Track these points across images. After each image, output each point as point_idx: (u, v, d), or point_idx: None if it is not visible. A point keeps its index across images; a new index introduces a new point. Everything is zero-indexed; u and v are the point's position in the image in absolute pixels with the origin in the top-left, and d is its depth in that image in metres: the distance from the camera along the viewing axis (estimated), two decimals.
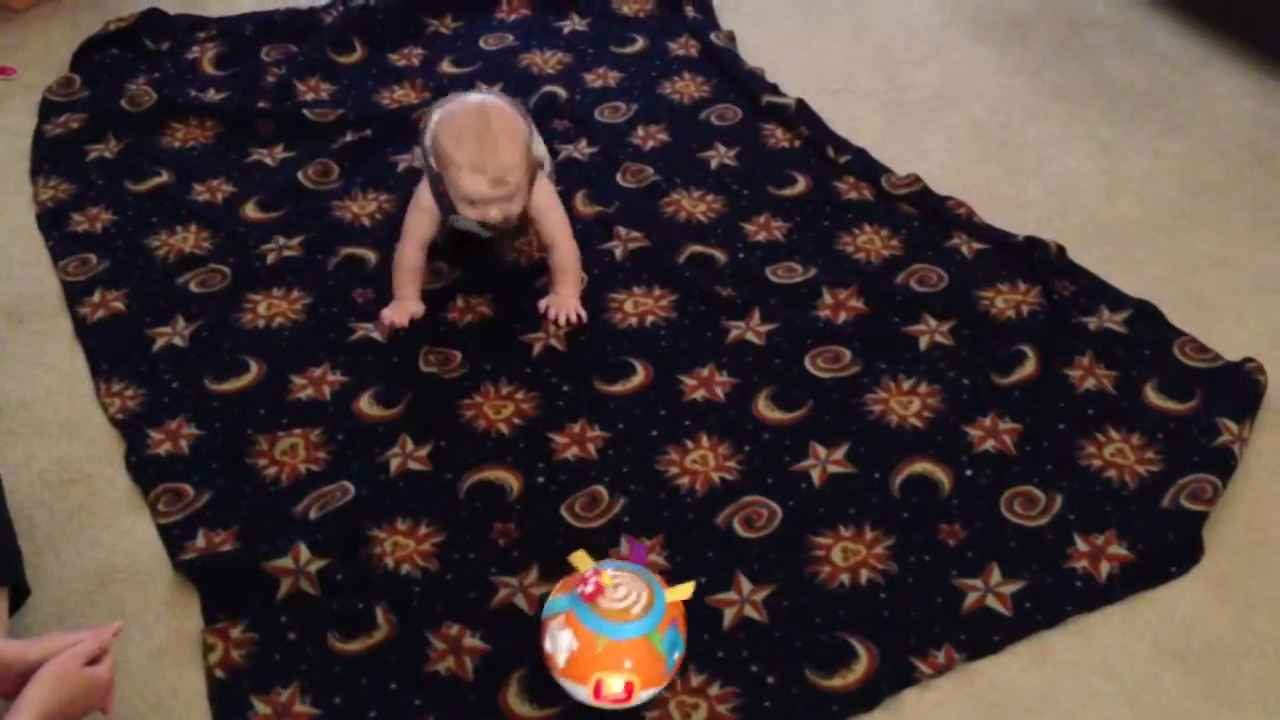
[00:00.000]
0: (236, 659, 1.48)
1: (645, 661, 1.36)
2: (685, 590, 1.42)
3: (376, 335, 1.89)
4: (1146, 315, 1.89)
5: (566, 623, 1.38)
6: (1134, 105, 2.37)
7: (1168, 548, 1.57)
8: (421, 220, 1.90)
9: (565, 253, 1.91)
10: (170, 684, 1.47)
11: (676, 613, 1.40)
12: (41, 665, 1.21)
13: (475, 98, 1.89)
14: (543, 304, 1.92)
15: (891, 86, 2.44)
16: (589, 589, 1.37)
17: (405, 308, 1.91)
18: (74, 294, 2.00)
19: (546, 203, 1.89)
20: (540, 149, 1.97)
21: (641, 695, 1.38)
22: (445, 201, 1.87)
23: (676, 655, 1.38)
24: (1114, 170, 2.21)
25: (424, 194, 1.89)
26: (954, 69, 2.48)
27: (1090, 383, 1.79)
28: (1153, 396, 1.77)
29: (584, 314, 1.90)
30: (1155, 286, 1.94)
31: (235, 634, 1.51)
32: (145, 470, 1.71)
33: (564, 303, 1.91)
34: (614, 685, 1.36)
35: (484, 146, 1.76)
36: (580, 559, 1.44)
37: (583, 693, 1.38)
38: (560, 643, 1.37)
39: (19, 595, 1.45)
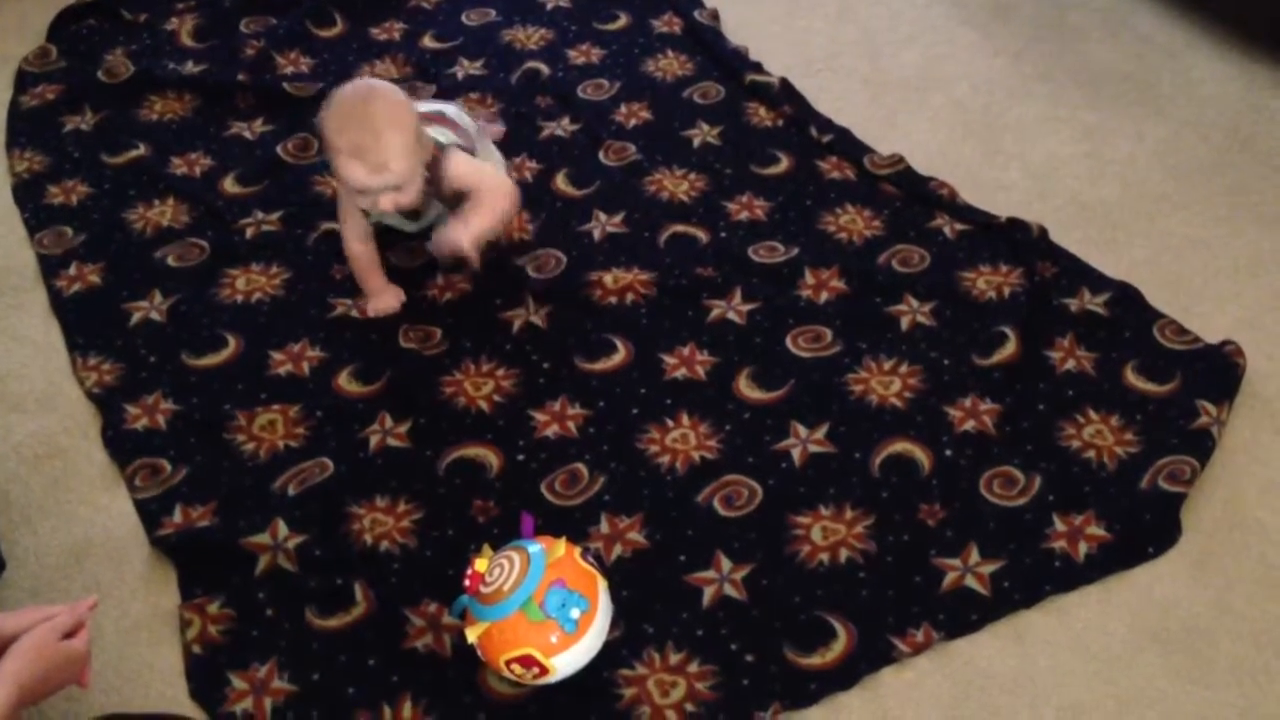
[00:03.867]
0: (214, 635, 1.48)
1: (530, 632, 1.35)
2: (559, 546, 1.40)
3: (355, 313, 1.88)
4: (1127, 297, 1.89)
5: (468, 619, 1.40)
6: (1117, 88, 2.37)
7: (1146, 528, 1.58)
8: (350, 213, 1.81)
9: (495, 198, 1.77)
10: (147, 659, 1.46)
11: (561, 571, 1.37)
12: (17, 639, 1.20)
13: (364, 82, 1.76)
14: (437, 232, 1.80)
15: (875, 66, 2.43)
16: (468, 580, 1.39)
17: (383, 300, 1.88)
18: (50, 267, 1.98)
19: (466, 166, 1.77)
20: (446, 138, 1.81)
21: (557, 661, 1.36)
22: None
23: (576, 612, 1.36)
24: (1096, 153, 2.22)
25: (346, 194, 1.80)
26: (937, 50, 2.48)
27: (1070, 364, 1.79)
28: (1132, 378, 1.78)
29: (474, 257, 1.76)
30: (1136, 269, 1.95)
31: (212, 610, 1.50)
32: (122, 445, 1.70)
33: (453, 232, 1.74)
34: (517, 664, 1.36)
35: (364, 131, 1.64)
36: (481, 559, 1.42)
37: (511, 678, 1.39)
38: (470, 639, 1.38)
39: None
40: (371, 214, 1.81)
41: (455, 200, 1.80)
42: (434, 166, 1.76)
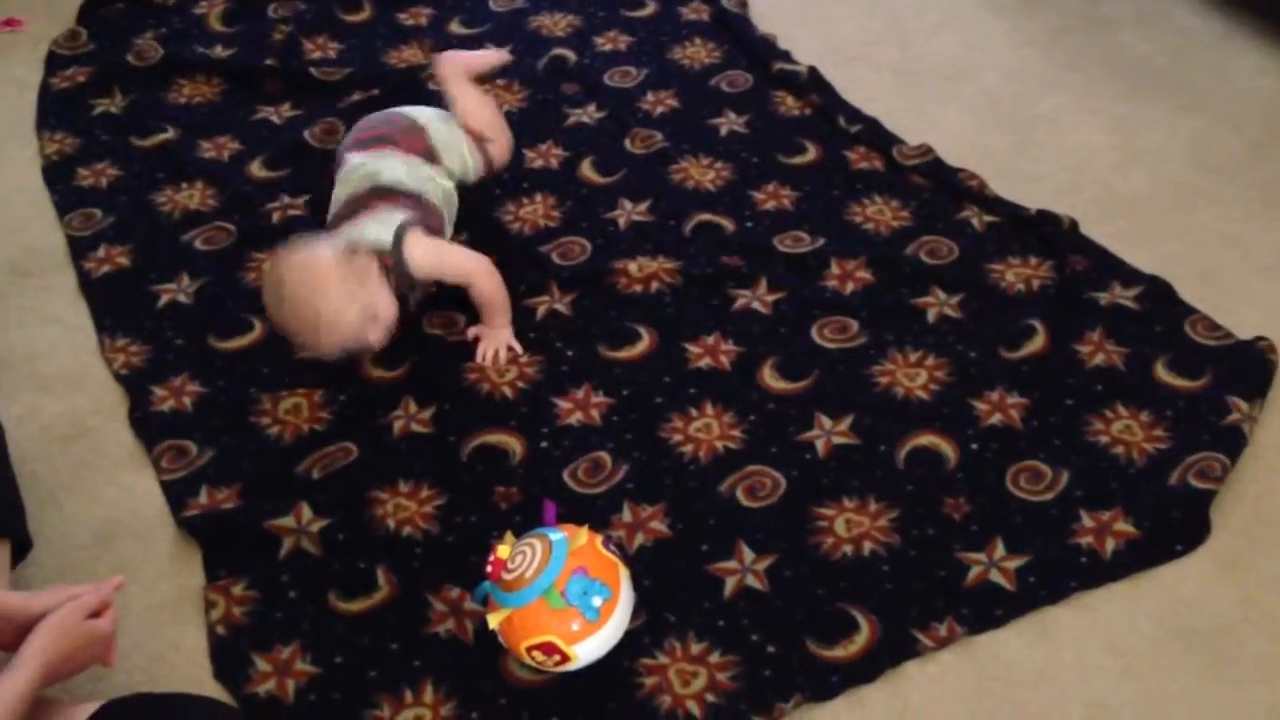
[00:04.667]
0: (238, 616, 1.48)
1: (552, 620, 1.34)
2: (581, 534, 1.40)
3: None
4: (1158, 292, 1.87)
5: (490, 605, 1.40)
6: (1150, 80, 2.34)
7: (1174, 526, 1.56)
8: None
9: (482, 285, 1.77)
10: (172, 639, 1.47)
11: (583, 559, 1.37)
12: (43, 618, 1.21)
13: (275, 269, 1.66)
14: (471, 333, 1.81)
15: (905, 55, 2.42)
16: (490, 567, 1.39)
17: None
18: (79, 249, 1.99)
19: (431, 259, 1.73)
20: (385, 227, 1.72)
21: (579, 649, 1.36)
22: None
23: (598, 600, 1.35)
24: (1128, 145, 2.19)
25: None
26: (968, 39, 2.46)
27: (1100, 358, 1.78)
28: (1163, 373, 1.76)
29: (518, 347, 1.79)
30: (1168, 263, 1.93)
31: (237, 591, 1.51)
32: (148, 426, 1.71)
33: (495, 338, 1.78)
34: (538, 651, 1.36)
35: (298, 321, 1.63)
36: (503, 545, 1.42)
37: (532, 665, 1.39)
38: (492, 625, 1.38)
39: (21, 549, 1.45)
40: None
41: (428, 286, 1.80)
42: (395, 268, 1.70)
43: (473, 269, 1.78)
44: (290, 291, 1.62)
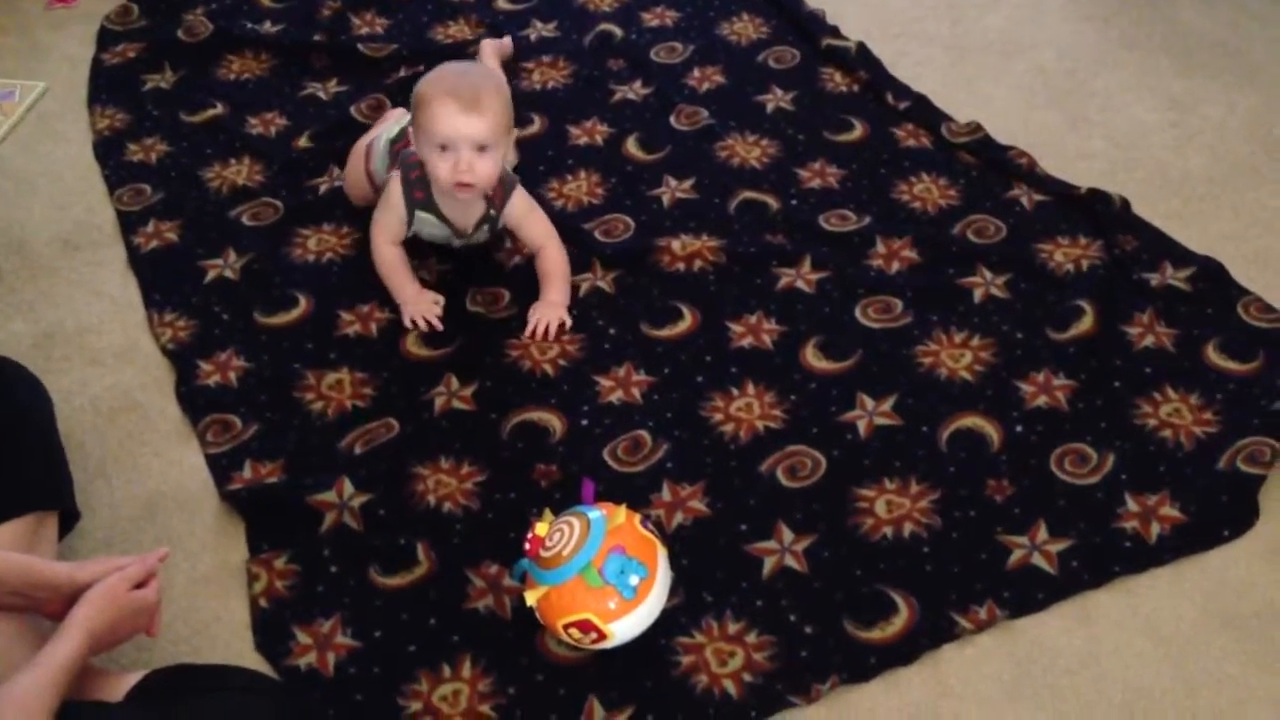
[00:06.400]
0: (280, 589, 1.50)
1: (589, 597, 1.35)
2: (620, 513, 1.40)
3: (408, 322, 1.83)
4: (1211, 273, 1.83)
5: (528, 582, 1.40)
6: (1207, 55, 2.29)
7: (1222, 510, 1.54)
8: (390, 219, 1.81)
9: (554, 254, 1.82)
10: (215, 611, 1.49)
11: (621, 538, 1.37)
12: (89, 588, 1.23)
13: (454, 64, 1.80)
14: (532, 312, 1.82)
15: (956, 31, 2.38)
16: (528, 544, 1.39)
17: (421, 304, 1.82)
18: (128, 224, 2.01)
19: (525, 207, 1.82)
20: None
21: (616, 627, 1.36)
22: (412, 199, 1.79)
23: (635, 579, 1.35)
24: (1184, 122, 2.15)
25: (394, 189, 1.80)
26: (1021, 14, 2.41)
27: (1149, 340, 1.75)
28: (1214, 356, 1.72)
29: (569, 322, 1.81)
30: (1222, 243, 1.89)
31: (279, 565, 1.52)
32: (195, 400, 1.73)
33: (552, 312, 1.80)
34: (575, 629, 1.36)
35: (462, 80, 1.69)
36: (541, 523, 1.42)
37: (569, 642, 1.39)
38: (529, 602, 1.39)
39: (69, 519, 1.48)
40: (416, 227, 1.82)
41: (500, 231, 1.86)
42: (500, 189, 1.79)
43: (553, 234, 1.84)
44: (480, 65, 1.85)
